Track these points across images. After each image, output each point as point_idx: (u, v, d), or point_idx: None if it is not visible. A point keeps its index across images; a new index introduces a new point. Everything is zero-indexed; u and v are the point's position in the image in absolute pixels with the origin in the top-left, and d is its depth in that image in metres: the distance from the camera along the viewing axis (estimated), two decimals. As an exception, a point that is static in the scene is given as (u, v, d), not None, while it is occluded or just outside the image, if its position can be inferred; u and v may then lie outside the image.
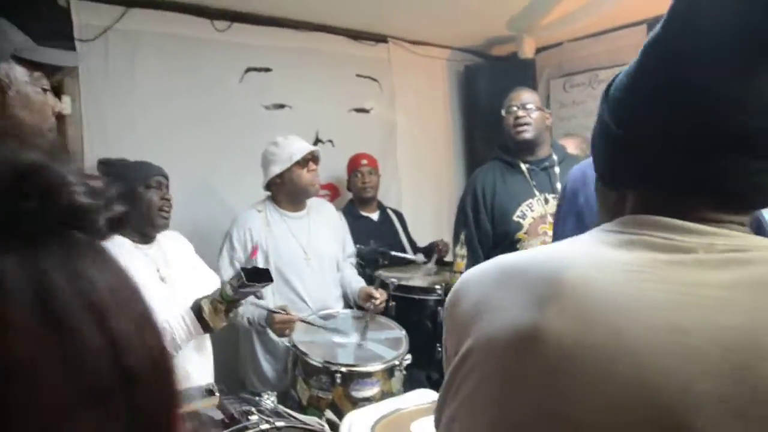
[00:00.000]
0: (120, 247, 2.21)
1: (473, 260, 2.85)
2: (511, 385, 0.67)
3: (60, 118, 1.44)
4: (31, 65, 1.28)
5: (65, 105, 3.09)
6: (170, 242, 2.43)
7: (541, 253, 0.77)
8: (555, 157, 2.87)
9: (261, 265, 2.84)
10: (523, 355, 0.66)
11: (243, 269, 2.10)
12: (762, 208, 0.72)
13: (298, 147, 2.87)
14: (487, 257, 2.47)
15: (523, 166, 2.85)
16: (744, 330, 0.58)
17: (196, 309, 2.11)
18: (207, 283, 2.47)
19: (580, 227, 2.11)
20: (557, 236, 2.14)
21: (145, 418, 0.37)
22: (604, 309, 0.63)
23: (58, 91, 3.16)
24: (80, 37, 3.19)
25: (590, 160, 2.21)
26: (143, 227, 2.27)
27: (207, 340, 2.41)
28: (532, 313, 0.66)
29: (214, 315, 2.09)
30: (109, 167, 2.31)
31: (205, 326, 2.10)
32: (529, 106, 2.82)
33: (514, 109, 2.84)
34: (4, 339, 0.32)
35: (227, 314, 2.14)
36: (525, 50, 4.54)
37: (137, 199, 2.22)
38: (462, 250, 2.91)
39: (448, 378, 0.77)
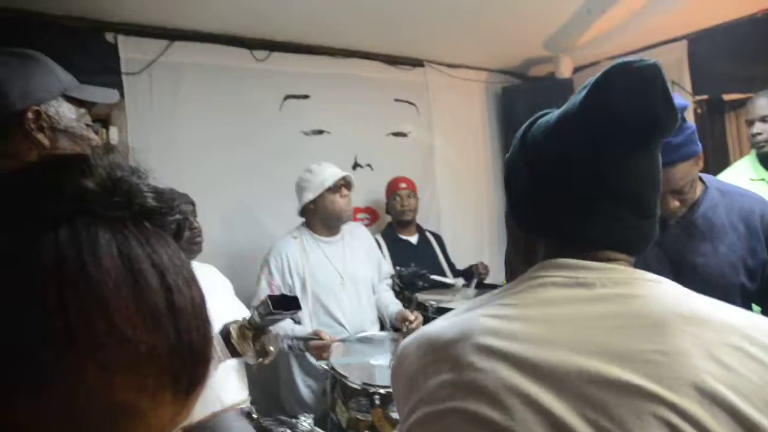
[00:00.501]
0: None
1: None
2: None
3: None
4: (77, 103, 1.36)
5: (113, 136, 3.21)
6: (204, 276, 2.47)
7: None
8: None
9: (298, 290, 2.88)
10: None
11: (270, 297, 2.11)
12: (643, 250, 0.89)
13: (330, 173, 2.92)
14: None
15: None
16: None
17: (224, 334, 2.13)
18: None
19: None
20: None
21: (186, 339, 0.51)
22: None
23: (106, 123, 3.30)
24: (126, 71, 3.33)
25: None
26: None
27: (241, 364, 2.44)
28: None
29: (242, 341, 2.10)
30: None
31: (233, 351, 2.12)
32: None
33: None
34: (100, 281, 0.47)
35: (255, 341, 2.15)
36: (562, 70, 4.52)
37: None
38: None
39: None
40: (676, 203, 1.82)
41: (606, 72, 0.83)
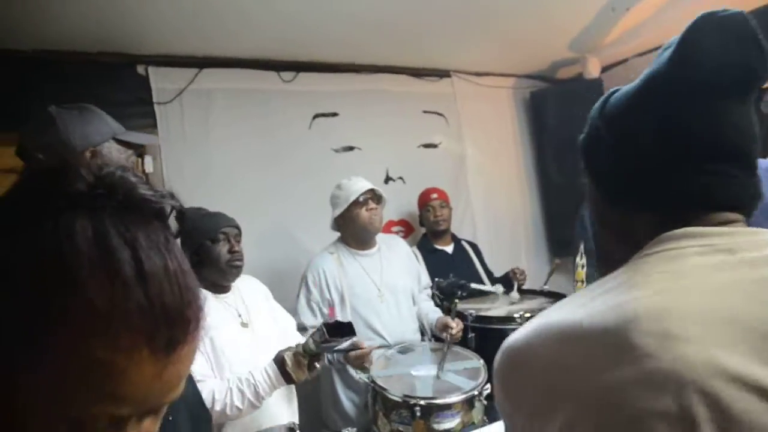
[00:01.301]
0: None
1: (593, 268, 2.92)
2: None
3: (144, 179, 1.69)
4: (125, 145, 1.59)
5: (147, 165, 3.29)
6: (247, 287, 2.52)
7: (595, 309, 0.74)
8: None
9: (337, 304, 2.90)
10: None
11: (325, 324, 2.13)
12: (754, 210, 0.82)
13: (357, 187, 2.95)
14: None
15: None
16: None
17: (279, 362, 2.15)
18: (285, 324, 2.55)
19: None
20: None
21: (158, 302, 0.57)
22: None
23: (141, 153, 3.39)
24: (158, 101, 3.42)
25: None
26: (216, 279, 2.37)
27: (291, 389, 2.47)
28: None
29: (297, 368, 2.13)
30: (184, 221, 2.42)
31: (288, 378, 2.14)
32: None
33: None
34: (73, 259, 0.54)
35: (310, 368, 2.17)
36: (590, 70, 4.48)
37: (206, 254, 2.33)
38: (582, 260, 2.98)
39: None
40: None
41: (692, 25, 0.80)
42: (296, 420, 2.41)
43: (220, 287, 2.40)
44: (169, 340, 0.58)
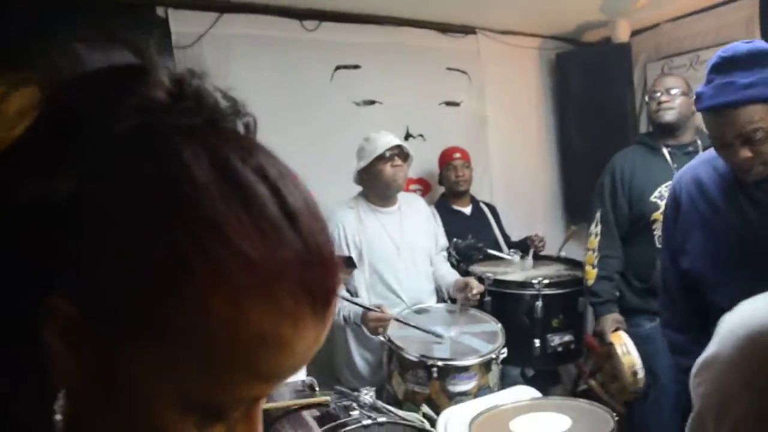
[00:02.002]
0: None
1: (607, 238, 2.93)
2: None
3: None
4: None
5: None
6: None
7: None
8: (699, 143, 2.84)
9: (356, 260, 2.87)
10: None
11: None
12: None
13: (383, 142, 2.89)
14: (623, 238, 2.38)
15: (665, 150, 2.88)
16: None
17: None
18: None
19: (708, 239, 1.95)
20: (687, 252, 1.98)
21: (313, 245, 0.45)
22: None
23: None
24: (177, 45, 3.32)
25: (696, 163, 2.06)
26: None
27: None
28: None
29: None
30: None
31: None
32: (673, 91, 2.84)
33: (658, 94, 2.88)
34: (201, 200, 0.41)
35: None
36: (619, 34, 4.35)
37: None
38: (596, 228, 2.97)
39: None
40: (747, 153, 1.65)
41: None
42: (304, 373, 2.41)
43: None
44: (327, 292, 0.46)
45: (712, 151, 1.91)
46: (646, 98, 3.00)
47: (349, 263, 2.16)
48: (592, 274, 2.92)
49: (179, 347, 0.41)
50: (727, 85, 1.64)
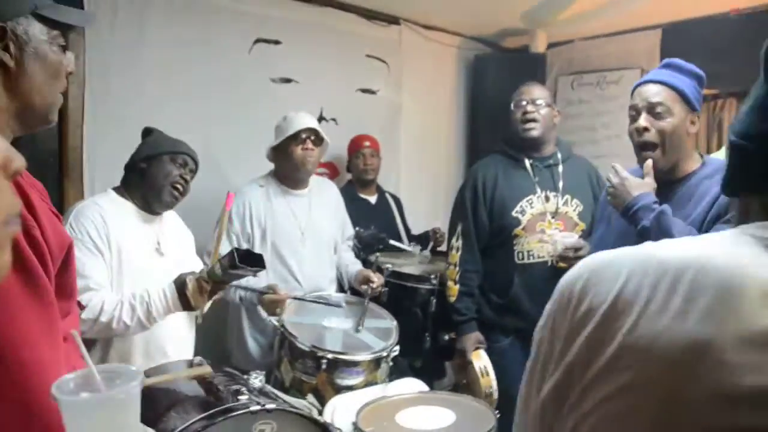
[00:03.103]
0: (124, 212, 2.21)
1: (468, 252, 2.89)
2: (670, 405, 0.59)
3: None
4: (50, 23, 1.25)
5: (69, 62, 3.03)
6: (174, 222, 2.44)
7: (689, 251, 0.67)
8: (559, 156, 2.87)
9: (257, 239, 2.83)
10: (693, 375, 0.58)
11: (236, 249, 2.03)
12: None
13: (299, 122, 2.85)
14: (482, 251, 2.52)
15: (527, 162, 2.86)
16: None
17: (180, 284, 2.04)
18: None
19: (608, 233, 2.17)
20: (590, 242, 2.31)
21: None
22: None
23: (64, 48, 3.11)
24: (91, 7, 3.11)
25: (631, 170, 2.23)
26: (150, 198, 2.27)
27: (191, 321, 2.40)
28: (706, 326, 0.59)
29: (198, 294, 2.02)
30: (148, 134, 2.33)
31: (186, 304, 2.04)
32: (539, 102, 2.82)
33: (524, 103, 2.84)
34: None
35: (211, 295, 2.08)
36: (537, 44, 4.51)
37: (156, 166, 2.24)
38: (458, 242, 2.93)
39: (561, 376, 0.68)
40: (643, 123, 2.01)
41: None
42: (192, 353, 2.36)
43: (148, 210, 2.30)
44: None
45: (635, 168, 2.12)
46: (512, 105, 2.90)
47: (260, 263, 2.11)
48: (454, 290, 2.91)
49: None
50: (657, 73, 2.09)
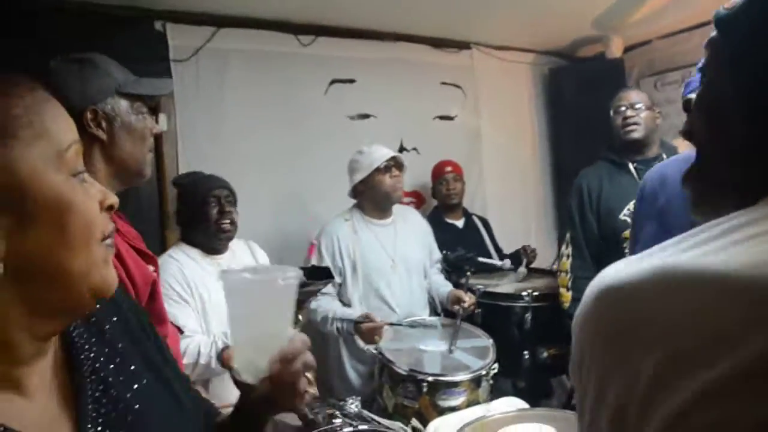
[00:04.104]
0: (196, 258, 2.36)
1: (579, 259, 2.91)
2: None
3: (157, 136, 1.62)
4: (134, 96, 1.48)
5: (162, 123, 3.26)
6: (243, 250, 2.57)
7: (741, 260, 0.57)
8: (665, 157, 2.83)
9: (349, 272, 2.90)
10: None
11: (302, 268, 2.12)
12: None
13: (380, 154, 2.93)
14: (596, 257, 2.47)
15: (631, 166, 2.87)
16: None
17: None
18: None
19: (662, 232, 2.06)
20: (638, 242, 2.12)
21: None
22: None
23: (155, 110, 3.36)
24: (175, 58, 3.36)
25: (670, 160, 2.18)
26: (207, 241, 2.44)
27: None
28: None
29: None
30: (180, 187, 2.51)
31: None
32: (638, 105, 2.84)
33: (623, 108, 2.87)
34: None
35: (296, 316, 2.18)
36: (612, 50, 4.41)
37: (198, 215, 2.42)
38: (567, 250, 2.96)
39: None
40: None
41: None
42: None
43: (213, 249, 2.45)
44: None
45: (683, 154, 2.03)
46: (611, 112, 2.95)
47: (327, 274, 2.19)
48: (567, 296, 2.92)
49: None
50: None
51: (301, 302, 2.19)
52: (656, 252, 0.64)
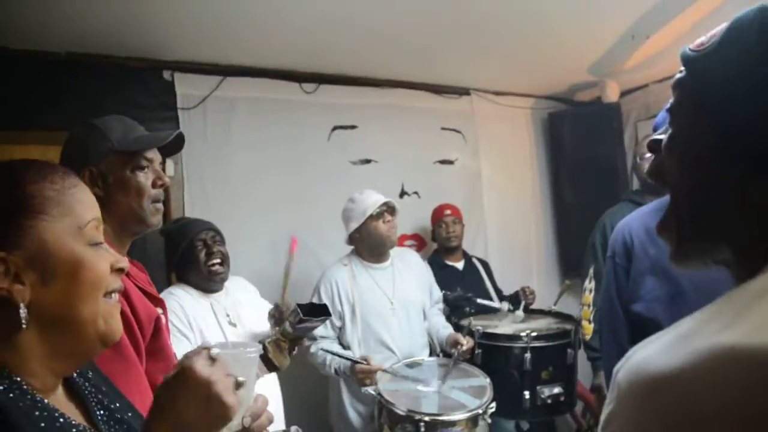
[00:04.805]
0: (189, 296, 2.43)
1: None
2: None
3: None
4: (127, 154, 1.55)
5: (168, 169, 3.36)
6: (236, 287, 2.65)
7: None
8: None
9: (348, 316, 2.95)
10: None
11: (299, 305, 2.19)
12: None
13: (372, 201, 3.00)
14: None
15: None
16: None
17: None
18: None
19: (667, 282, 2.03)
20: (641, 298, 2.05)
21: None
22: None
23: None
24: (182, 106, 3.49)
25: (648, 208, 2.19)
26: (202, 283, 2.51)
27: (276, 390, 2.54)
28: None
29: (278, 353, 2.20)
30: (166, 235, 2.59)
31: (271, 366, 2.20)
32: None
33: (649, 155, 2.90)
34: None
35: (291, 352, 2.25)
36: (609, 94, 4.51)
37: (188, 260, 2.50)
38: (591, 284, 3.03)
39: None
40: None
41: None
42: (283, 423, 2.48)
43: (209, 291, 2.53)
44: None
45: (657, 202, 2.10)
46: (637, 158, 3.10)
47: (324, 312, 2.26)
48: (589, 329, 2.98)
49: None
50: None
51: (299, 338, 2.25)
52: (688, 328, 0.60)
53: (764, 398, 0.50)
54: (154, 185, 1.58)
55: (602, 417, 0.64)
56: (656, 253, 2.02)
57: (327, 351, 2.83)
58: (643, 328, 2.03)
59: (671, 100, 0.79)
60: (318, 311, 2.24)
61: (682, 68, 0.77)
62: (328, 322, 2.94)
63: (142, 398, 1.23)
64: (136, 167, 1.55)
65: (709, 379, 0.53)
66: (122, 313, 1.27)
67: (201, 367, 0.90)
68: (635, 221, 2.12)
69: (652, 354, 0.60)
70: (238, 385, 0.94)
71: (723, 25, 0.73)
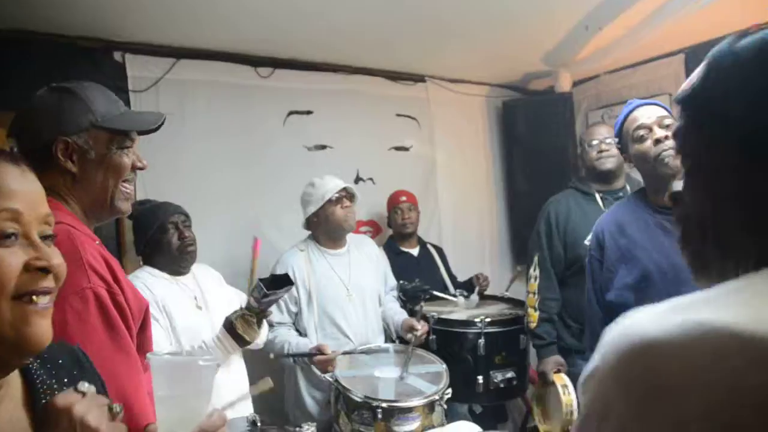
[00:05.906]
0: (157, 280, 2.39)
1: (546, 281, 3.05)
2: None
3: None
4: (114, 129, 1.41)
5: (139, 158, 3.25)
6: (202, 273, 2.63)
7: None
8: (628, 189, 2.99)
9: (304, 302, 2.94)
10: None
11: (260, 279, 2.19)
12: None
13: (331, 186, 3.01)
14: (561, 280, 2.51)
15: (597, 195, 3.03)
16: None
17: (228, 326, 2.23)
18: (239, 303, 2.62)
19: (635, 269, 2.08)
20: (614, 287, 2.12)
21: None
22: None
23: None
24: (134, 89, 3.40)
25: (620, 203, 2.25)
26: (172, 266, 2.49)
27: (243, 376, 2.52)
28: None
29: (247, 327, 2.21)
30: (135, 217, 2.55)
31: (240, 340, 2.21)
32: (609, 140, 2.98)
33: (595, 143, 3.03)
34: None
35: (260, 324, 2.27)
36: (562, 84, 4.58)
37: (157, 244, 2.48)
38: (535, 272, 3.09)
39: None
40: (663, 132, 1.99)
41: None
42: (250, 409, 2.46)
43: (176, 271, 2.51)
44: None
45: (628, 198, 2.19)
46: (585, 146, 3.12)
47: (287, 281, 2.27)
48: (534, 316, 3.04)
49: None
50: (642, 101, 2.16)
51: (264, 311, 2.25)
52: (687, 303, 0.61)
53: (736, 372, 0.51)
54: (133, 167, 1.46)
55: (585, 371, 0.65)
56: (626, 243, 2.10)
57: (290, 355, 2.83)
58: (616, 314, 2.08)
59: (679, 143, 0.78)
60: (280, 282, 2.25)
61: (682, 112, 0.77)
62: (284, 307, 2.94)
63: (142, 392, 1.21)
64: (121, 146, 1.41)
65: (683, 348, 0.55)
66: (119, 306, 1.24)
67: (59, 398, 0.81)
68: (607, 216, 2.23)
69: (641, 317, 0.62)
70: (112, 409, 0.85)
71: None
